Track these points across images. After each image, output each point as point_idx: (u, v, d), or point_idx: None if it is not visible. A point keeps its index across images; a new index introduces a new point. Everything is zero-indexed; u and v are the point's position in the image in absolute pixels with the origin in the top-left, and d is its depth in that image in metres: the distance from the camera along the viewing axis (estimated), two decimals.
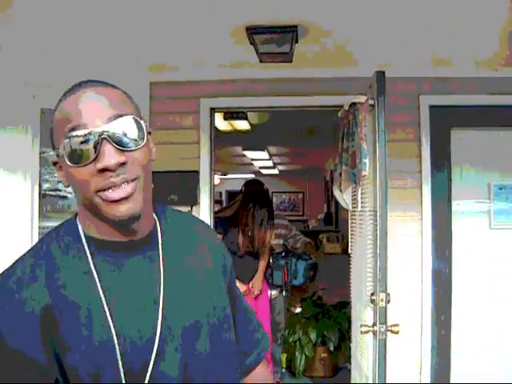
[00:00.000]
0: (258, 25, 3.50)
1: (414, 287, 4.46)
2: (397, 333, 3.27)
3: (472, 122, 4.51)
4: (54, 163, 1.45)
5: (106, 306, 1.38)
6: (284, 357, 6.35)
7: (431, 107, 4.50)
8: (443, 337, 4.47)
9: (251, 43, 3.66)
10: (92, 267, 1.41)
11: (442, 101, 4.51)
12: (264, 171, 14.52)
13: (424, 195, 4.47)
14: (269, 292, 6.09)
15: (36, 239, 4.22)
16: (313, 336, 6.24)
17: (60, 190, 4.50)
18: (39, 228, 4.27)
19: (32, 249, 1.48)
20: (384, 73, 3.31)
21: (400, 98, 4.37)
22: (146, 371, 1.37)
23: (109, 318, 1.36)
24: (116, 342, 1.35)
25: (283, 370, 6.34)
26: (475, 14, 3.31)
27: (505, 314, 4.47)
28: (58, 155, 1.39)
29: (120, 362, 1.34)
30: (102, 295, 1.38)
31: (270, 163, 12.77)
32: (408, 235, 4.47)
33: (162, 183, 4.54)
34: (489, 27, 3.56)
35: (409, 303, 4.40)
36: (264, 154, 11.07)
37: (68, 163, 1.34)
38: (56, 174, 4.43)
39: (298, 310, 6.78)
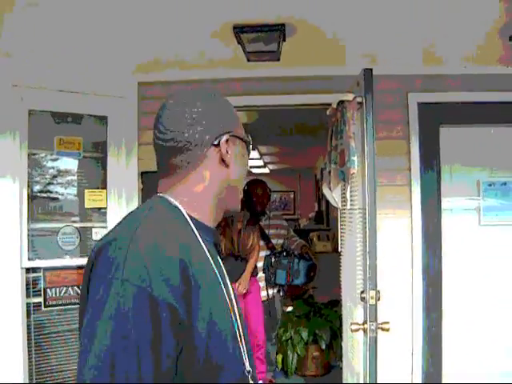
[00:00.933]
0: (245, 24, 3.49)
1: (405, 285, 4.46)
2: (387, 330, 3.28)
3: (461, 118, 4.52)
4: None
5: (224, 291, 1.52)
6: (280, 357, 6.35)
7: (420, 104, 4.51)
8: (434, 334, 4.47)
9: (238, 42, 3.65)
10: (206, 251, 1.52)
11: (430, 98, 4.51)
12: (255, 170, 14.49)
13: (413, 193, 4.47)
14: (264, 292, 6.13)
15: (25, 242, 4.22)
16: (304, 335, 6.25)
17: (51, 192, 4.49)
18: (28, 230, 4.26)
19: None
20: (371, 70, 3.32)
21: (388, 96, 4.36)
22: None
23: (228, 302, 1.52)
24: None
25: (277, 370, 6.34)
26: (464, 11, 3.31)
27: (495, 310, 4.48)
28: (239, 137, 1.68)
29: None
30: (220, 279, 1.52)
31: (260, 162, 12.76)
32: (398, 233, 4.47)
33: (152, 183, 4.55)
34: (477, 25, 3.57)
35: (399, 301, 4.40)
36: (254, 153, 11.06)
37: (246, 151, 1.72)
38: (47, 176, 4.43)
39: (290, 308, 6.79)
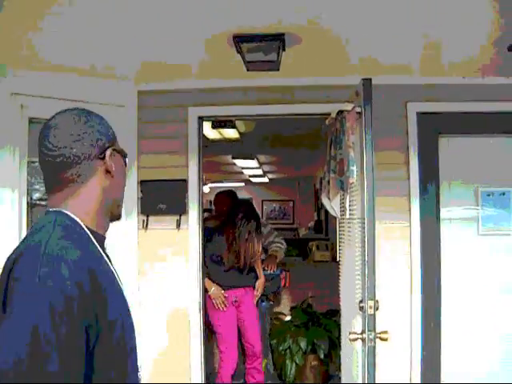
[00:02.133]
0: (244, 33, 3.51)
1: (403, 294, 4.46)
2: (386, 340, 3.27)
3: (460, 128, 4.54)
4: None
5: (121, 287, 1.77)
6: (264, 362, 6.34)
7: (419, 114, 4.51)
8: (433, 343, 4.47)
9: (238, 52, 3.66)
10: (104, 256, 1.73)
11: (429, 108, 4.53)
12: (254, 180, 14.51)
13: (412, 202, 4.47)
14: (263, 302, 6.16)
15: None
16: (303, 344, 6.22)
17: None
18: None
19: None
20: (371, 80, 3.32)
21: (387, 106, 4.35)
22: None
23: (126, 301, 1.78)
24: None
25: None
26: (462, 22, 3.33)
27: (494, 319, 4.48)
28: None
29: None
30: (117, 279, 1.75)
31: (259, 171, 12.76)
32: (397, 243, 4.47)
33: (150, 192, 4.57)
34: (475, 35, 3.58)
35: (398, 310, 4.40)
36: (253, 163, 11.06)
37: (124, 163, 1.92)
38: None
39: (288, 318, 6.77)
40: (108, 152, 1.75)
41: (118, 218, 1.91)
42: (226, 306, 5.53)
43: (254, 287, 5.89)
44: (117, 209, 1.88)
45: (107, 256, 1.76)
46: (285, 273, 6.39)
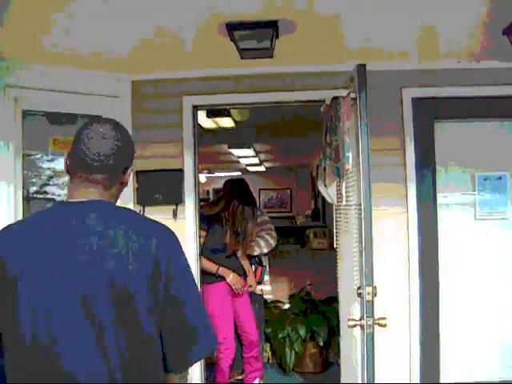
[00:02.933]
0: (238, 21, 3.49)
1: (401, 280, 4.46)
2: (384, 326, 3.27)
3: (456, 113, 4.52)
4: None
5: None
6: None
7: (414, 100, 4.50)
8: (431, 329, 4.47)
9: (231, 39, 3.64)
10: None
11: (425, 93, 4.51)
12: (251, 168, 14.46)
13: (409, 188, 4.47)
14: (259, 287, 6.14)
15: None
16: (302, 332, 6.24)
17: (47, 193, 4.48)
18: None
19: None
20: (365, 66, 3.30)
21: (383, 92, 4.33)
22: None
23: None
24: None
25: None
26: (457, 5, 3.32)
27: (492, 304, 4.49)
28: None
29: None
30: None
31: (256, 160, 12.73)
32: (394, 228, 4.47)
33: (146, 182, 4.56)
34: (470, 19, 3.57)
35: (396, 296, 4.40)
36: (250, 152, 11.04)
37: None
38: (42, 177, 4.41)
39: (287, 306, 6.78)
40: (129, 170, 2.13)
41: None
42: (243, 290, 5.59)
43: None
44: None
45: None
46: (260, 268, 6.21)
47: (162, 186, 4.49)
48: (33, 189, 4.41)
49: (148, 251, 1.89)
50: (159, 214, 4.51)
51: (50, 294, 1.81)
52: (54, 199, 4.50)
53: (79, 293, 1.81)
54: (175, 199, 4.60)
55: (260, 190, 15.88)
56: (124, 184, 2.16)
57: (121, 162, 2.05)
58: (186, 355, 1.99)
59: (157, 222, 2.09)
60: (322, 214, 12.35)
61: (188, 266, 2.04)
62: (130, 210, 2.38)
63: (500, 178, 4.51)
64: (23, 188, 4.30)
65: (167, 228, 2.06)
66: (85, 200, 1.99)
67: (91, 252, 1.85)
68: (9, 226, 2.06)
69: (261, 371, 5.88)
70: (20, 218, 4.21)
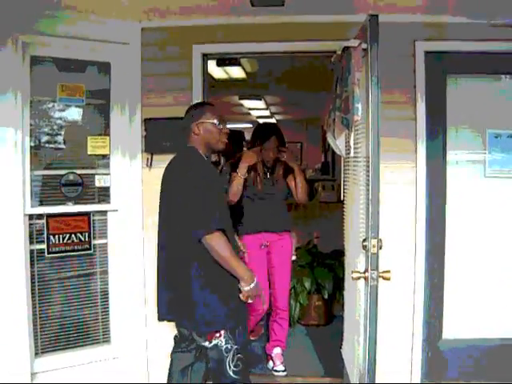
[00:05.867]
0: None
1: (408, 235, 4.46)
2: (388, 279, 3.27)
3: (468, 68, 4.47)
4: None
5: None
6: None
7: (427, 53, 4.43)
8: (436, 285, 4.49)
9: None
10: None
11: (438, 47, 4.44)
12: (261, 121, 14.42)
13: (418, 144, 4.43)
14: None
15: (28, 189, 4.29)
16: (307, 284, 6.27)
17: (54, 140, 4.47)
18: (31, 178, 4.31)
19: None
20: (377, 16, 3.23)
21: (395, 44, 4.26)
22: None
23: None
24: None
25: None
26: None
27: (498, 261, 4.49)
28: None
29: None
30: None
31: (267, 113, 12.70)
32: (402, 183, 4.45)
33: (154, 130, 4.54)
34: None
35: (402, 251, 4.41)
36: (261, 104, 11.00)
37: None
38: (50, 124, 4.40)
39: (293, 258, 6.79)
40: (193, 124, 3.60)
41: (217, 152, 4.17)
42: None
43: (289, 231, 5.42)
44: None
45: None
46: None
47: (170, 134, 4.44)
48: (39, 135, 4.40)
49: None
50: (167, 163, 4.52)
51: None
52: (60, 146, 4.50)
53: None
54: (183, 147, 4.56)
55: None
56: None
57: None
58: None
59: None
60: (332, 167, 12.34)
61: None
62: None
63: (511, 136, 4.46)
64: (31, 136, 4.31)
65: None
66: None
67: None
68: None
69: (283, 342, 5.45)
70: (27, 165, 4.23)
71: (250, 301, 3.41)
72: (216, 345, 3.42)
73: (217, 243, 3.24)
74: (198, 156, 3.55)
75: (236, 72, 7.05)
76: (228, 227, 3.45)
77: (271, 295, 5.32)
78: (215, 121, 3.64)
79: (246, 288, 3.34)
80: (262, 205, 5.17)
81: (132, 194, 4.62)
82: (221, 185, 3.97)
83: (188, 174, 3.37)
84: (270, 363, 5.36)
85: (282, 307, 5.37)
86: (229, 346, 3.41)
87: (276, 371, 5.23)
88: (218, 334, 3.40)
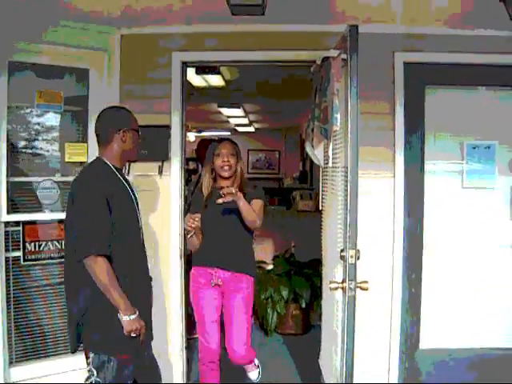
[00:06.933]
0: None
1: (386, 245, 4.47)
2: (366, 289, 3.27)
3: (447, 80, 4.51)
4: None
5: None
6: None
7: (406, 64, 4.45)
8: (413, 295, 4.50)
9: None
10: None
11: (416, 58, 4.47)
12: (240, 129, 14.42)
13: (397, 153, 4.45)
14: None
15: (4, 195, 4.22)
16: (285, 293, 6.26)
17: (32, 146, 4.44)
18: (7, 184, 4.25)
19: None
20: (357, 27, 3.24)
21: (374, 55, 4.28)
22: None
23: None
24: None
25: None
26: None
27: (476, 271, 4.51)
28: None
29: None
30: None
31: (245, 121, 12.69)
32: (380, 193, 4.46)
33: None
34: None
35: (380, 261, 4.42)
36: (239, 112, 10.99)
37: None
38: (28, 130, 4.37)
39: (270, 267, 6.79)
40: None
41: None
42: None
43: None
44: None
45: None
46: None
47: (148, 142, 4.41)
48: (17, 142, 4.36)
49: None
50: (144, 170, 4.49)
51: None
52: (38, 152, 4.47)
53: None
54: (161, 156, 4.55)
55: (248, 150, 15.85)
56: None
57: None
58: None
59: None
60: (310, 176, 12.36)
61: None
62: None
63: (489, 147, 4.49)
64: (8, 142, 4.25)
65: None
66: None
67: None
68: None
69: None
70: (3, 171, 4.18)
71: (133, 334, 3.19)
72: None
73: (94, 268, 3.09)
74: (99, 171, 3.29)
75: (215, 80, 7.04)
76: (128, 248, 3.32)
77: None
78: (137, 128, 3.53)
79: (123, 318, 3.17)
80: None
81: None
82: (129, 201, 3.39)
83: (79, 192, 3.24)
84: None
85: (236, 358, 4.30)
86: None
87: None
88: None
